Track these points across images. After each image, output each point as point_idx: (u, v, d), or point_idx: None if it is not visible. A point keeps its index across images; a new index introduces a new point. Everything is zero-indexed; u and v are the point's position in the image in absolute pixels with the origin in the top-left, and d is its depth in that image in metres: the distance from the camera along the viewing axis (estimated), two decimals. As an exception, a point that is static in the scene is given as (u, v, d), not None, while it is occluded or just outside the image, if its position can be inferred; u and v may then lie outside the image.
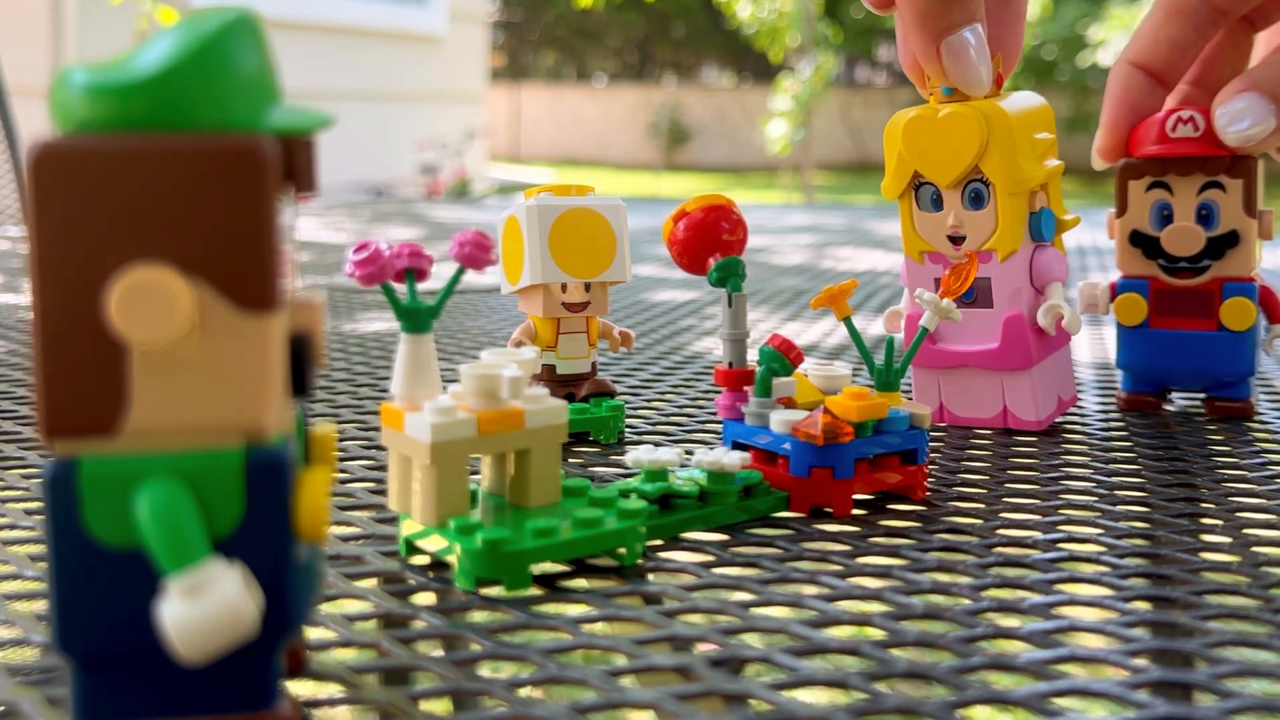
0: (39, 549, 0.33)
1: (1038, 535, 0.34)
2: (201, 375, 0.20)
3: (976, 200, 0.45)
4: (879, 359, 0.39)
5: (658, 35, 13.04)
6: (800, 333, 0.74)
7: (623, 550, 0.32)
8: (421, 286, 0.31)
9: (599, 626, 0.28)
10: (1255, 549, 0.33)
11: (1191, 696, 0.25)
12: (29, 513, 0.36)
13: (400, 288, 0.31)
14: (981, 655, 0.26)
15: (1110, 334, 0.71)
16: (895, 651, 0.26)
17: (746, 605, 0.29)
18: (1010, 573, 0.31)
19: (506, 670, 0.25)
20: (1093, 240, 1.35)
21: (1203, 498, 0.38)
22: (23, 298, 0.87)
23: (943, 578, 0.31)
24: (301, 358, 0.22)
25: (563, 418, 0.33)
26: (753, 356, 0.39)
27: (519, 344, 0.46)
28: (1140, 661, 0.26)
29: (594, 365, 0.47)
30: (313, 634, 0.27)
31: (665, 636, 0.27)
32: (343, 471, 0.41)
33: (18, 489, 0.39)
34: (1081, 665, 0.26)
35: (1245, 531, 0.35)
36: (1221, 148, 0.46)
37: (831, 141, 9.44)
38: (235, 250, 0.20)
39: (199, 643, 0.19)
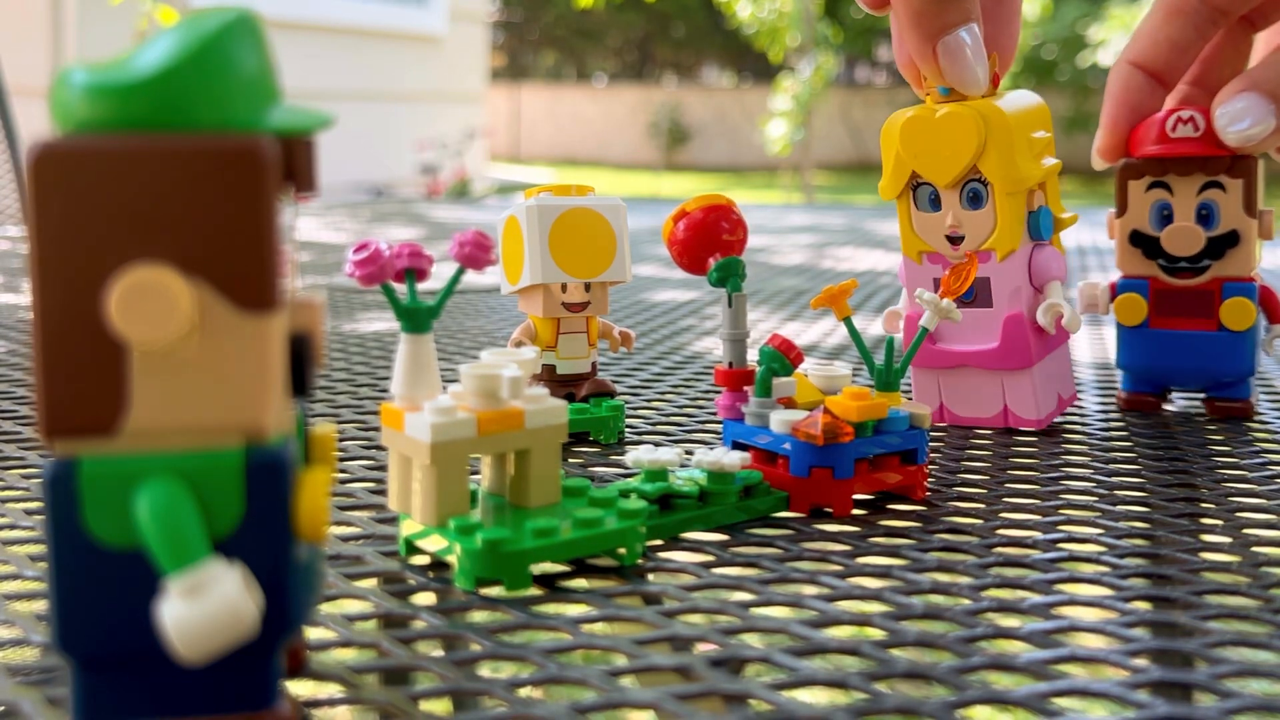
0: (39, 549, 0.33)
1: (1038, 535, 0.34)
2: (201, 375, 0.20)
3: (974, 200, 0.45)
4: (879, 359, 0.39)
5: (658, 35, 13.05)
6: (800, 333, 0.74)
7: (623, 550, 0.32)
8: (421, 286, 0.31)
9: (599, 626, 0.28)
10: (1255, 549, 0.33)
11: (1191, 696, 0.25)
12: (29, 513, 0.36)
13: (400, 288, 0.31)
14: (981, 655, 0.26)
15: (1110, 334, 0.71)
16: (895, 651, 0.26)
17: (746, 605, 0.29)
18: (1010, 573, 0.31)
19: (506, 670, 0.25)
20: (1093, 240, 1.35)
21: (1203, 498, 0.38)
22: (23, 298, 0.87)
23: (943, 578, 0.31)
24: (301, 358, 0.22)
25: (563, 418, 0.33)
26: (753, 356, 0.39)
27: (519, 344, 0.46)
28: (1140, 661, 0.26)
29: (594, 365, 0.47)
30: (313, 634, 0.27)
31: (665, 636, 0.27)
32: (343, 471, 0.41)
33: (18, 489, 0.39)
34: (1081, 665, 0.26)
35: (1245, 531, 0.35)
36: (1221, 148, 0.46)
37: (831, 141, 9.44)
38: (235, 250, 0.20)
39: (199, 643, 0.19)
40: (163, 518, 0.20)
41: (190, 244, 0.20)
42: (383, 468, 0.42)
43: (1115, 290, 0.50)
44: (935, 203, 0.46)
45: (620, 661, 0.26)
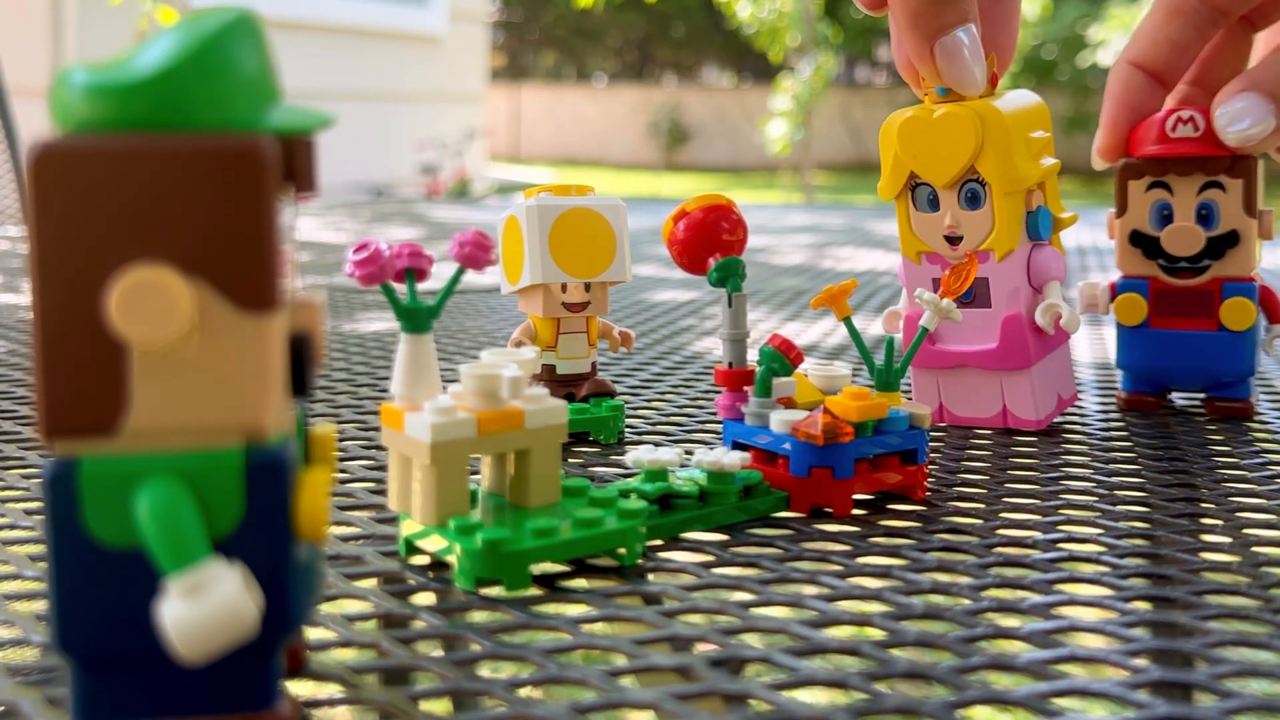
0: (39, 549, 0.33)
1: (1038, 535, 0.34)
2: (201, 375, 0.20)
3: (973, 200, 0.45)
4: (879, 359, 0.39)
5: (658, 35, 13.05)
6: (800, 333, 0.74)
7: (623, 550, 0.32)
8: (421, 286, 0.31)
9: (599, 626, 0.28)
10: (1255, 549, 0.33)
11: (1191, 696, 0.25)
12: (29, 513, 0.36)
13: (400, 288, 0.31)
14: (981, 655, 0.26)
15: (1110, 334, 0.71)
16: (895, 651, 0.26)
17: (746, 605, 0.29)
18: (1010, 573, 0.31)
19: (506, 670, 0.25)
20: (1093, 240, 1.35)
21: (1203, 498, 0.38)
22: (23, 298, 0.87)
23: (943, 578, 0.31)
24: (301, 358, 0.22)
25: (563, 418, 0.33)
26: (753, 356, 0.39)
27: (519, 344, 0.46)
28: (1140, 661, 0.26)
29: (594, 365, 0.47)
30: (313, 634, 0.27)
31: (665, 636, 0.27)
32: (343, 471, 0.41)
33: (18, 489, 0.39)
34: (1081, 665, 0.26)
35: (1245, 531, 0.35)
36: (1221, 148, 0.46)
37: (831, 141, 9.44)
38: (235, 250, 0.20)
39: (199, 643, 0.19)
40: (163, 518, 0.20)
41: (190, 244, 0.20)
42: (383, 468, 0.42)
43: (1115, 290, 0.50)
44: (934, 203, 0.46)
45: (620, 661, 0.26)
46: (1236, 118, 0.45)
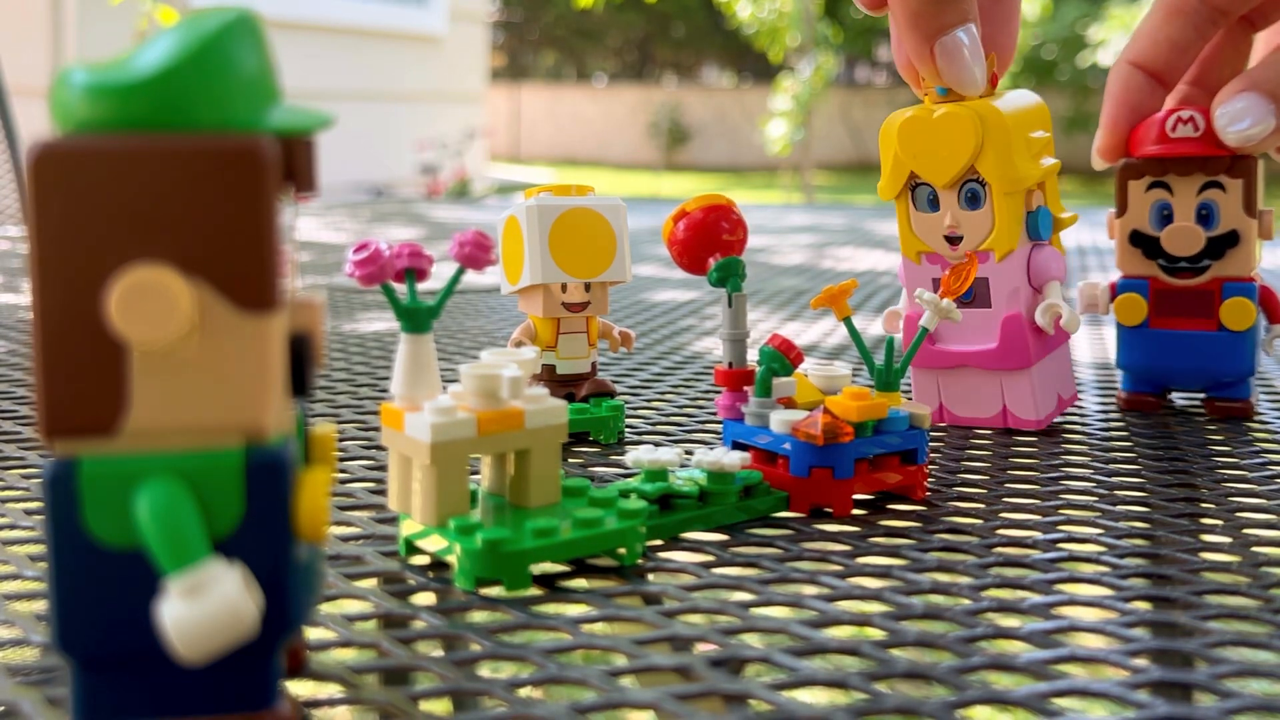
0: (39, 549, 0.33)
1: (1038, 535, 0.34)
2: (201, 375, 0.20)
3: (973, 200, 0.45)
4: (879, 359, 0.39)
5: (658, 35, 13.04)
6: (800, 333, 0.74)
7: (623, 550, 0.32)
8: (421, 286, 0.31)
9: (599, 626, 0.28)
10: (1255, 549, 0.33)
11: (1191, 696, 0.25)
12: (29, 513, 0.36)
13: (400, 288, 0.31)
14: (981, 655, 0.26)
15: (1110, 334, 0.71)
16: (895, 651, 0.26)
17: (746, 605, 0.29)
18: (1010, 573, 0.31)
19: (506, 670, 0.25)
20: (1093, 240, 1.35)
21: (1203, 498, 0.38)
22: (23, 298, 0.87)
23: (943, 578, 0.31)
24: (301, 358, 0.22)
25: (563, 418, 0.33)
26: (753, 356, 0.39)
27: (519, 344, 0.46)
28: (1140, 661, 0.26)
29: (594, 365, 0.47)
30: (313, 634, 0.27)
31: (665, 636, 0.27)
32: (343, 471, 0.41)
33: (18, 489, 0.39)
34: (1081, 665, 0.26)
35: (1245, 531, 0.35)
36: (1221, 148, 0.46)
37: (831, 141, 9.44)
38: (235, 250, 0.20)
39: (199, 643, 0.19)
40: (163, 518, 0.20)
41: (190, 244, 0.20)
42: (383, 468, 0.42)
43: (1115, 290, 0.50)
44: (934, 203, 0.46)
45: (620, 661, 0.26)
46: (1236, 118, 0.45)
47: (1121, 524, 0.35)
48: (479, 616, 0.28)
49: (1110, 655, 0.26)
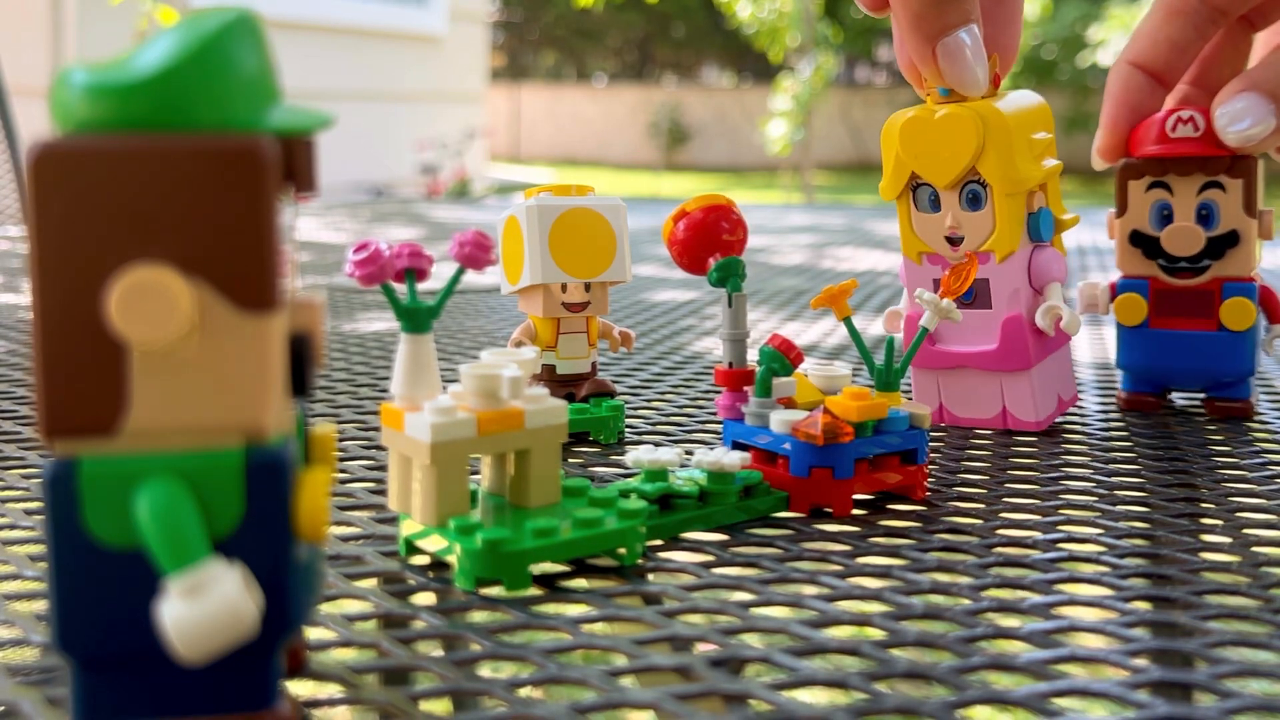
0: (39, 549, 0.33)
1: (1038, 535, 0.34)
2: (201, 375, 0.20)
3: (974, 201, 0.45)
4: (879, 359, 0.39)
5: (658, 35, 13.05)
6: (800, 333, 0.74)
7: (623, 550, 0.32)
8: (421, 286, 0.31)
9: (599, 626, 0.28)
10: (1255, 549, 0.33)
11: (1191, 696, 0.25)
12: (29, 513, 0.36)
13: (400, 288, 0.31)
14: (981, 655, 0.26)
15: (1110, 334, 0.71)
16: (895, 651, 0.26)
17: (746, 605, 0.29)
18: (1010, 573, 0.31)
19: (506, 670, 0.25)
20: (1093, 240, 1.35)
21: (1203, 498, 0.38)
22: (23, 298, 0.87)
23: (943, 578, 0.31)
24: (301, 358, 0.22)
25: (563, 418, 0.33)
26: (753, 356, 0.39)
27: (519, 344, 0.46)
28: (1140, 661, 0.26)
29: (594, 365, 0.47)
30: (313, 634, 0.27)
31: (665, 636, 0.27)
32: (343, 471, 0.41)
33: (18, 489, 0.39)
34: (1081, 665, 0.26)
35: (1245, 531, 0.35)
36: (1221, 148, 0.46)
37: (831, 141, 9.44)
38: (235, 250, 0.20)
39: (199, 643, 0.19)
40: (163, 518, 0.20)
41: (190, 244, 0.20)
42: (383, 468, 0.42)
43: (1115, 290, 0.50)
44: (935, 203, 0.46)
45: (620, 661, 0.26)
46: (1236, 118, 0.45)
47: (1121, 524, 0.35)
48: (479, 616, 0.28)
49: (1110, 655, 0.26)
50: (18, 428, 0.47)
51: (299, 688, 0.24)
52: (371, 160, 5.21)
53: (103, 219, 0.19)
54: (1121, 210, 0.50)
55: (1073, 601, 0.29)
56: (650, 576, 0.31)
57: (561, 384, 0.46)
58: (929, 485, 0.39)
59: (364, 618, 0.28)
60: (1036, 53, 8.18)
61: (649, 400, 0.53)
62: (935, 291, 0.44)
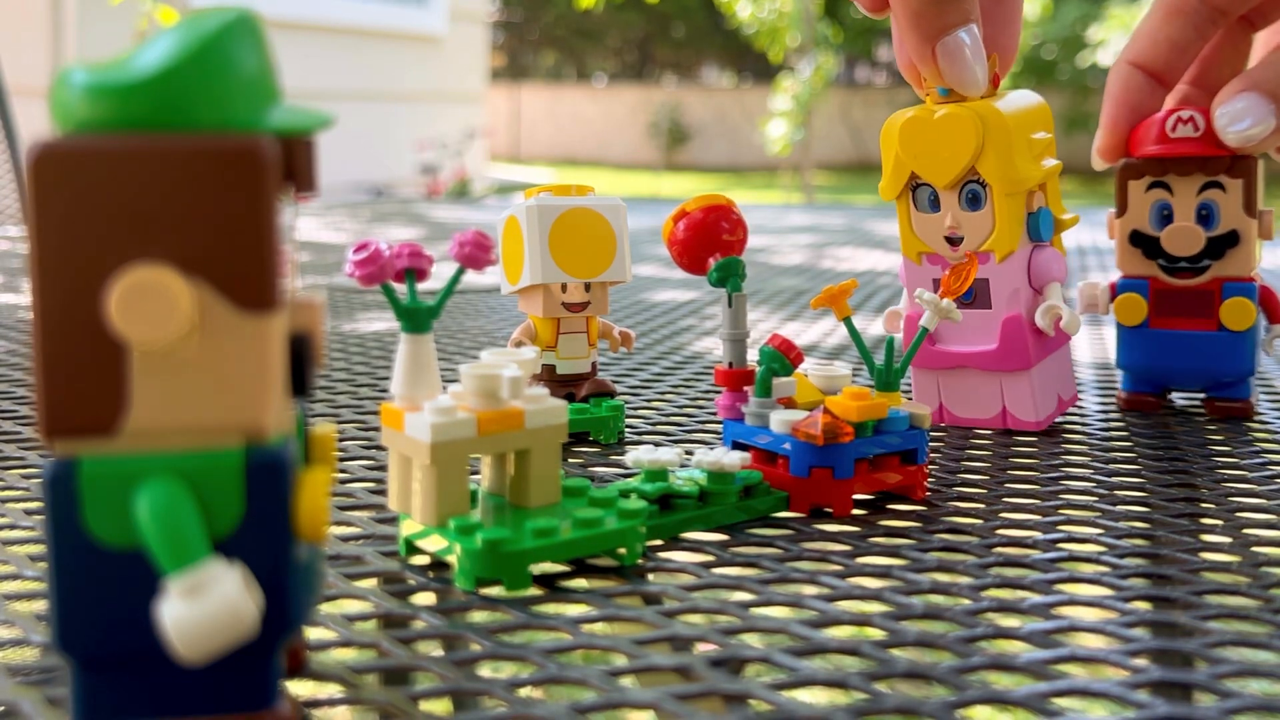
0: (39, 549, 0.33)
1: (1038, 535, 0.34)
2: (201, 375, 0.20)
3: (974, 201, 0.45)
4: (879, 359, 0.39)
5: (658, 35, 13.05)
6: (800, 333, 0.74)
7: (623, 550, 0.32)
8: (421, 286, 0.31)
9: (599, 626, 0.28)
10: (1255, 549, 0.33)
11: (1191, 696, 0.25)
12: (29, 513, 0.36)
13: (400, 288, 0.31)
14: (981, 655, 0.26)
15: (1110, 334, 0.71)
16: (895, 651, 0.26)
17: (746, 605, 0.29)
18: (1010, 573, 0.31)
19: (506, 670, 0.25)
20: (1093, 240, 1.35)
21: (1203, 498, 0.38)
22: (23, 298, 0.87)
23: (943, 578, 0.31)
24: (301, 358, 0.22)
25: (563, 418, 0.33)
26: (753, 356, 0.39)
27: (519, 344, 0.46)
28: (1140, 661, 0.26)
29: (594, 365, 0.47)
30: (313, 634, 0.27)
31: (665, 636, 0.27)
32: (343, 471, 0.41)
33: (18, 489, 0.39)
34: (1081, 665, 0.26)
35: (1245, 531, 0.35)
36: (1221, 148, 0.46)
37: (831, 141, 9.44)
38: (235, 250, 0.20)
39: (199, 643, 0.19)
40: (163, 518, 0.20)
41: (190, 244, 0.20)
42: (383, 468, 0.42)
43: (1115, 290, 0.50)
44: (934, 203, 0.46)
45: (620, 661, 0.26)
46: (1236, 118, 0.45)
47: (1121, 524, 0.35)
48: (479, 616, 0.28)
49: (1110, 655, 0.26)
50: (18, 428, 0.47)
51: (299, 688, 0.24)
52: (371, 160, 5.21)
53: (103, 219, 0.19)
54: (1121, 210, 0.50)
55: (1073, 601, 0.29)
56: (650, 576, 0.31)
57: (561, 384, 0.46)
58: (929, 485, 0.39)
59: (364, 618, 0.28)
60: (1036, 53, 8.18)
61: (649, 400, 0.53)
62: (935, 291, 0.44)
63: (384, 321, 0.78)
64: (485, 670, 0.25)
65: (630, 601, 0.29)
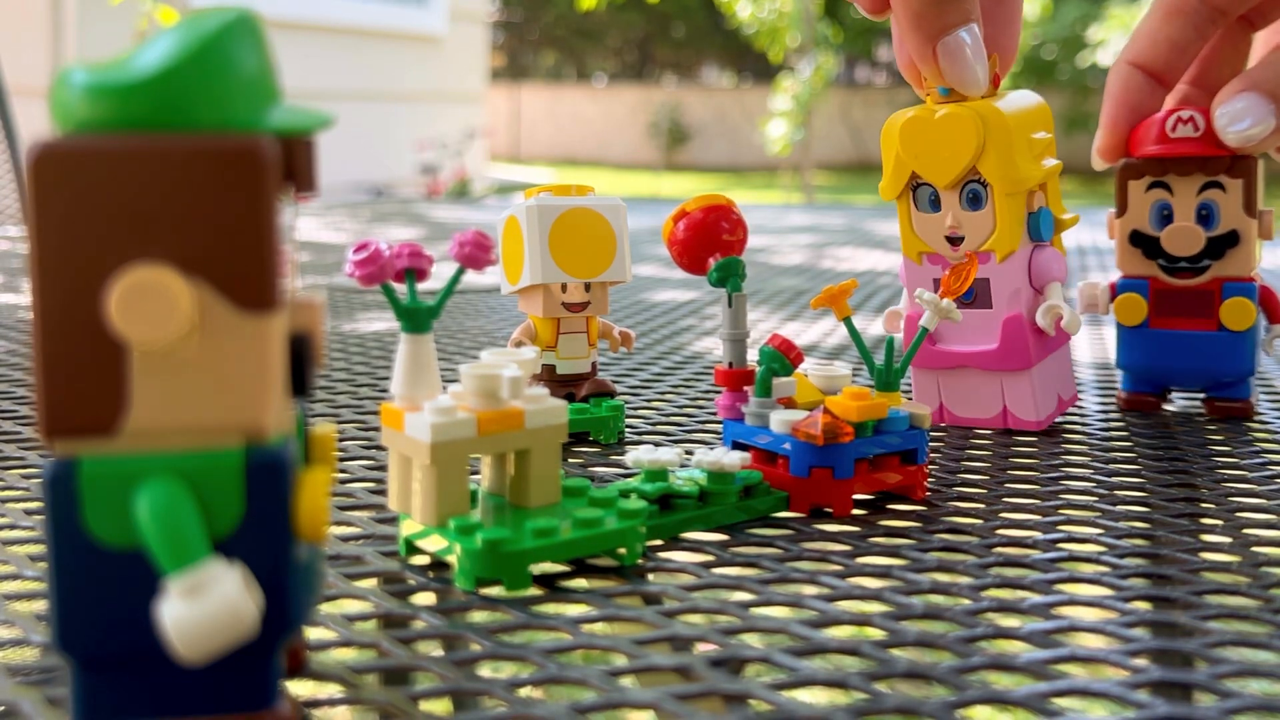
0: (39, 549, 0.33)
1: (1038, 535, 0.34)
2: (201, 375, 0.20)
3: (974, 201, 0.45)
4: (879, 359, 0.39)
5: (658, 35, 13.05)
6: (800, 333, 0.74)
7: (623, 550, 0.32)
8: (421, 286, 0.31)
9: (599, 626, 0.28)
10: (1255, 549, 0.33)
11: (1191, 696, 0.25)
12: (29, 513, 0.36)
13: (400, 288, 0.31)
14: (981, 655, 0.26)
15: (1110, 334, 0.71)
16: (895, 651, 0.26)
17: (746, 605, 0.29)
18: (1010, 573, 0.31)
19: (506, 670, 0.25)
20: (1093, 240, 1.35)
21: (1203, 498, 0.38)
22: (23, 298, 0.87)
23: (943, 578, 0.31)
24: (301, 358, 0.22)
25: (563, 418, 0.33)
26: (753, 356, 0.39)
27: (519, 344, 0.46)
28: (1140, 661, 0.26)
29: (594, 365, 0.47)
30: (313, 634, 0.27)
31: (665, 636, 0.27)
32: (343, 471, 0.41)
33: (18, 489, 0.39)
34: (1081, 665, 0.26)
35: (1245, 531, 0.35)
36: (1221, 148, 0.46)
37: (831, 141, 9.44)
38: (235, 250, 0.20)
39: (199, 643, 0.19)
40: (163, 518, 0.20)
41: (190, 244, 0.20)
42: (383, 468, 0.42)
43: (1115, 290, 0.50)
44: (935, 203, 0.46)
45: (620, 661, 0.26)
46: (1236, 118, 0.45)
47: (1121, 524, 0.35)
48: (479, 616, 0.28)
49: (1110, 655, 0.26)
50: (18, 428, 0.47)
51: (299, 688, 0.24)
52: (371, 160, 5.21)
53: (103, 219, 0.19)
54: (1121, 210, 0.50)
55: (1073, 601, 0.29)
56: (650, 576, 0.31)
57: (561, 384, 0.46)
58: (929, 485, 0.39)
59: (364, 618, 0.28)
60: (1036, 53, 8.18)
61: (649, 400, 0.53)
62: (935, 291, 0.44)
63: (384, 321, 0.78)
64: (485, 670, 0.25)
65: (630, 601, 0.29)
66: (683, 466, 0.36)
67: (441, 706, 0.24)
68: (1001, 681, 0.25)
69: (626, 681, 0.25)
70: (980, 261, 0.45)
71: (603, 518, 0.31)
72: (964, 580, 0.31)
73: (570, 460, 0.43)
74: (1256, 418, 0.49)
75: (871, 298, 0.90)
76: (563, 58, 13.82)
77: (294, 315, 0.22)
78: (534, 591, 0.30)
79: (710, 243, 0.40)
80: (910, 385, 0.49)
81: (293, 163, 0.21)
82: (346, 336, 0.72)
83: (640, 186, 7.63)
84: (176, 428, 0.20)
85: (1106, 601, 0.29)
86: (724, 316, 0.40)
